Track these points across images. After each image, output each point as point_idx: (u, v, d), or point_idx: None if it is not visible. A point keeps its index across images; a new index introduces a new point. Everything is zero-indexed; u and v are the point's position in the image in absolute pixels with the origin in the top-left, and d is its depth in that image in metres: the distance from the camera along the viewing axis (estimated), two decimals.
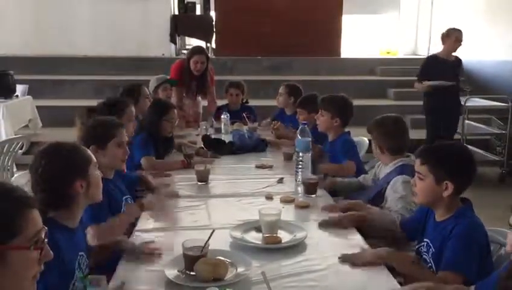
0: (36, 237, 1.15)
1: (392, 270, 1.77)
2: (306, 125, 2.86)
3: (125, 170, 2.64)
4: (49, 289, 1.49)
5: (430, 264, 1.91)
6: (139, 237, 2.07)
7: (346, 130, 3.31)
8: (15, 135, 5.19)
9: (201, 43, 8.11)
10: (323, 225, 2.19)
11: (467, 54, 8.14)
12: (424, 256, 1.97)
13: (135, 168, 3.07)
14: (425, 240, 1.99)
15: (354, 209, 2.33)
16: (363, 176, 2.95)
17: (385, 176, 2.59)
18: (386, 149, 2.60)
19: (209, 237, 1.76)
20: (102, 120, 2.49)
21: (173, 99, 4.53)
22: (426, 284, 1.57)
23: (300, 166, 2.78)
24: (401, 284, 1.68)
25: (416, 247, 2.05)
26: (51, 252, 1.19)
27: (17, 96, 6.02)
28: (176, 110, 3.52)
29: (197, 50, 4.82)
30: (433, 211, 2.00)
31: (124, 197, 2.44)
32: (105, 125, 2.43)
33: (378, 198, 2.54)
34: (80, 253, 1.73)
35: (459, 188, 1.89)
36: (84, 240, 1.86)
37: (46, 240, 1.18)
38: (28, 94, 6.32)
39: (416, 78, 5.40)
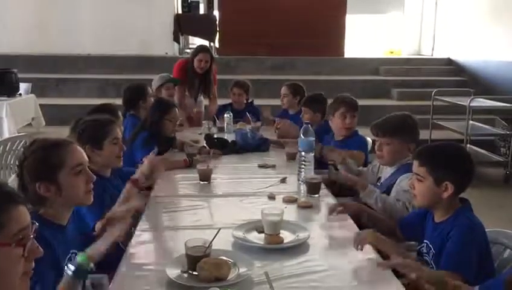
0: (21, 233, 1.11)
1: (397, 272, 1.75)
2: (309, 125, 2.85)
3: (123, 167, 2.60)
4: (46, 287, 1.48)
5: (431, 265, 1.91)
6: (140, 236, 2.06)
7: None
8: (18, 133, 5.19)
9: (205, 42, 8.11)
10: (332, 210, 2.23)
11: (471, 54, 8.16)
12: (425, 257, 1.96)
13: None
14: (425, 241, 1.98)
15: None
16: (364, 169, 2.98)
17: (389, 176, 2.58)
18: (413, 149, 2.51)
19: (215, 236, 1.76)
20: (94, 119, 2.45)
21: (175, 98, 4.53)
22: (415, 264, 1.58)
23: (303, 166, 2.77)
24: (404, 285, 1.66)
25: (418, 248, 2.04)
26: (40, 248, 1.15)
27: (20, 94, 6.04)
28: (177, 109, 3.51)
29: (202, 48, 4.90)
30: (431, 213, 1.99)
31: None
32: (98, 125, 2.40)
33: None
34: (71, 251, 1.69)
35: (459, 188, 1.88)
36: (77, 238, 1.82)
37: (33, 236, 1.14)
38: (31, 92, 6.33)
39: None
